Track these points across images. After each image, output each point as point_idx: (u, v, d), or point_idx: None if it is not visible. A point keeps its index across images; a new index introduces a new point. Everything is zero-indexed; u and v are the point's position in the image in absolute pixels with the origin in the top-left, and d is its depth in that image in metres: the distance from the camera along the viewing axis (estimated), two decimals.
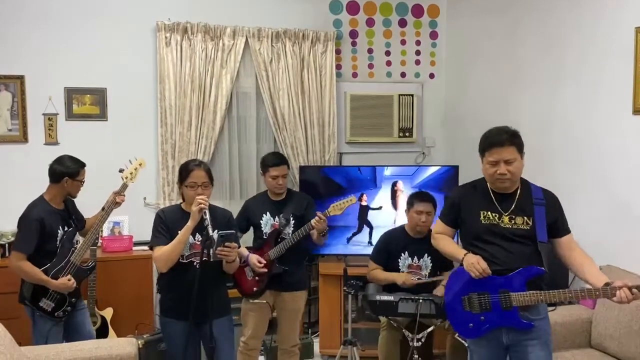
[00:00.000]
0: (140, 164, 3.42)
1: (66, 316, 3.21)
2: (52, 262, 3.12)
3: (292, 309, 3.59)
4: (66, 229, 3.21)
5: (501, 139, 2.49)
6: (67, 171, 3.16)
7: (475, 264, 2.50)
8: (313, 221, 3.36)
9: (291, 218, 3.54)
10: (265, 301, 3.47)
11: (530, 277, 2.49)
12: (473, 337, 2.64)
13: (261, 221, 3.53)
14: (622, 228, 3.27)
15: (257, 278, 3.47)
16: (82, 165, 3.24)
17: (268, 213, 3.53)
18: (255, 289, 3.47)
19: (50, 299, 3.13)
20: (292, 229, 3.52)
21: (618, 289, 2.29)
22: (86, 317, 3.41)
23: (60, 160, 3.20)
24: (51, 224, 3.12)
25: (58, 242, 3.15)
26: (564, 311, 3.26)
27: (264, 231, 3.52)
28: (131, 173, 3.37)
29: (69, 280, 3.12)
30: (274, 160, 3.53)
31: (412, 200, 3.63)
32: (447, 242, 2.76)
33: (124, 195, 3.35)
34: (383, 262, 3.66)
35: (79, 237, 3.33)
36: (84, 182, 3.26)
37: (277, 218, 3.52)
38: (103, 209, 3.31)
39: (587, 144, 3.54)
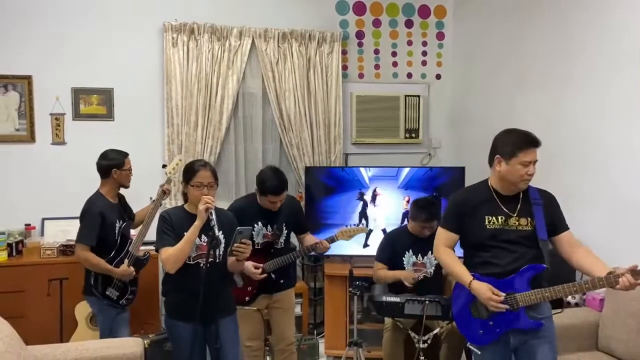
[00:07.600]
0: (180, 160, 3.71)
1: (129, 304, 3.40)
2: (114, 253, 3.31)
3: (285, 307, 3.53)
4: (121, 222, 3.37)
5: (537, 140, 2.49)
6: (113, 163, 3.34)
7: (492, 301, 2.46)
8: (320, 246, 3.35)
9: (284, 227, 3.44)
10: (255, 308, 3.38)
11: (532, 275, 2.49)
12: (486, 344, 2.58)
13: (253, 231, 3.31)
14: (630, 231, 3.25)
15: (249, 288, 3.38)
16: (126, 154, 3.43)
17: (260, 222, 3.36)
18: (247, 298, 3.38)
19: (114, 288, 3.31)
20: (285, 237, 3.46)
21: (621, 276, 2.26)
22: (126, 322, 3.45)
23: (104, 155, 3.38)
24: (110, 217, 3.30)
25: (117, 235, 3.33)
26: (571, 314, 3.25)
27: (256, 241, 3.35)
28: (173, 168, 3.65)
29: (129, 267, 3.31)
30: (274, 187, 3.23)
31: (415, 214, 3.56)
32: (453, 262, 2.66)
33: (169, 185, 3.60)
34: (387, 261, 3.65)
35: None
36: (131, 170, 3.44)
37: (269, 228, 3.39)
38: (152, 200, 3.53)
39: (594, 147, 3.52)
